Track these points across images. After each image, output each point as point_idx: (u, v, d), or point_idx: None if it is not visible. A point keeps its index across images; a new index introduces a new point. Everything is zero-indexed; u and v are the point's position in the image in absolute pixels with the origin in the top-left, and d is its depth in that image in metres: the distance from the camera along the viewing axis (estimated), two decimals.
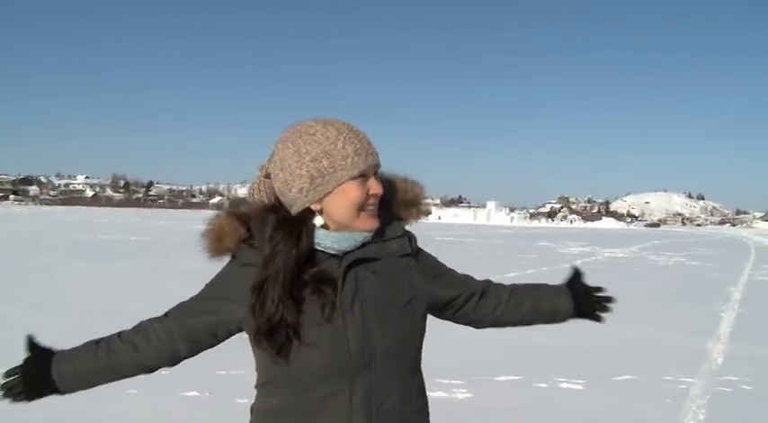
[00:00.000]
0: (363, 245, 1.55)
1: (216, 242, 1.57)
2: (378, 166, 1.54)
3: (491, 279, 1.90)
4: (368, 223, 1.53)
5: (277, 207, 1.56)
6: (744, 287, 16.33)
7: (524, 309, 1.87)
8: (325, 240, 1.52)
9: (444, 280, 1.75)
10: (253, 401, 1.64)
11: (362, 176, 1.49)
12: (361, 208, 1.50)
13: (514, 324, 1.89)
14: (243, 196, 1.64)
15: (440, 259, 1.79)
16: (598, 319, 1.97)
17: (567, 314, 1.94)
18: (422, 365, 1.71)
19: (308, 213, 1.52)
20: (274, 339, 1.48)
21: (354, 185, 1.49)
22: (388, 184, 1.63)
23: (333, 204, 1.50)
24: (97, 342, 1.66)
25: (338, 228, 1.53)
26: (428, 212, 1.75)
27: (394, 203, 1.65)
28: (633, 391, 6.11)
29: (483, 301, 1.82)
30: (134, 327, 1.68)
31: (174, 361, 1.66)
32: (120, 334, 1.67)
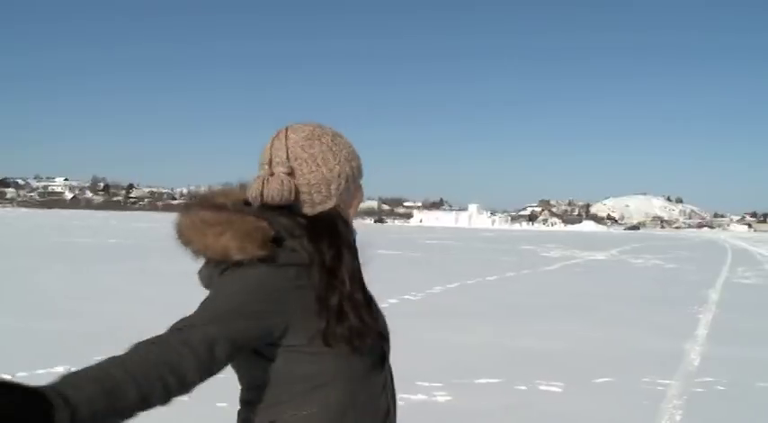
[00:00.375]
0: None
1: (246, 243, 1.37)
2: None
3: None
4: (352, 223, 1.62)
5: (283, 206, 1.46)
6: (721, 289, 16.54)
7: None
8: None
9: None
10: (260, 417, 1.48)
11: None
12: (355, 206, 1.59)
13: None
14: (216, 190, 1.53)
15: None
16: None
17: None
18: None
19: (333, 211, 1.50)
20: (356, 342, 1.44)
21: (360, 187, 1.59)
22: None
23: (353, 206, 1.57)
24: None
25: None
26: None
27: None
28: (612, 393, 6.17)
29: None
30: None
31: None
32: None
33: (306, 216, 1.47)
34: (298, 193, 1.46)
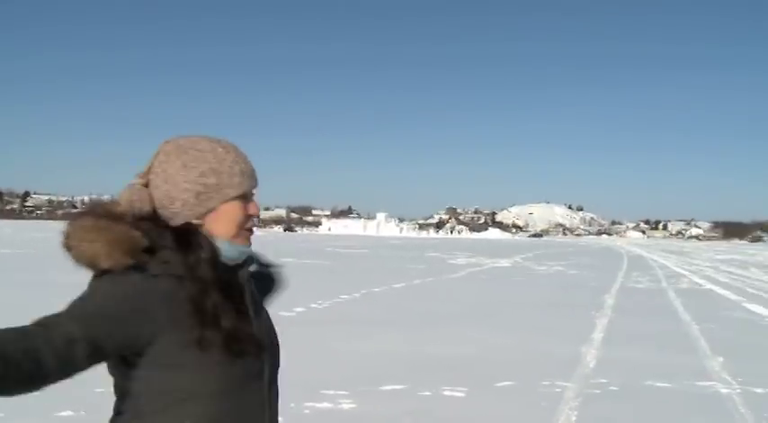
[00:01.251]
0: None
1: (115, 251, 1.39)
2: (256, 188, 1.59)
3: None
4: (245, 242, 1.57)
5: (153, 218, 1.49)
6: (616, 294, 17.31)
7: None
8: (231, 252, 1.54)
9: None
10: None
11: (244, 197, 1.54)
12: (240, 227, 1.54)
13: None
14: (106, 199, 1.53)
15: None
16: None
17: None
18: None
19: (190, 226, 1.51)
20: (234, 346, 1.47)
21: (237, 205, 1.53)
22: None
23: (215, 221, 1.52)
24: None
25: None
26: None
27: None
28: (512, 396, 6.36)
29: None
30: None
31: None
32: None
33: (172, 228, 1.50)
34: (158, 205, 1.50)
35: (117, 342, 1.36)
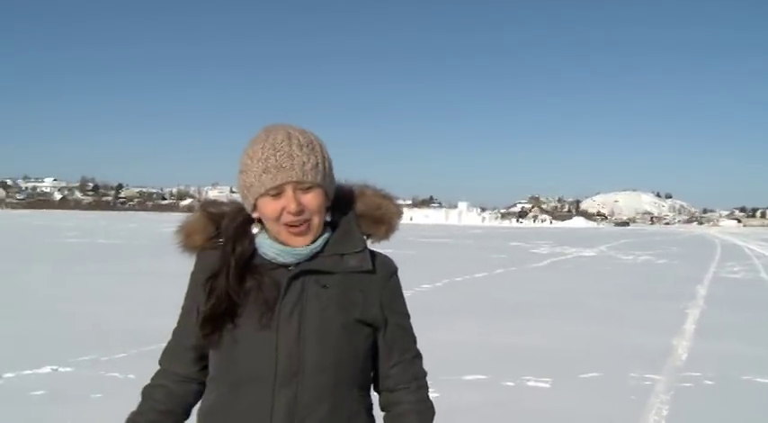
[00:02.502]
0: (315, 256, 1.55)
1: (186, 238, 1.64)
2: (298, 182, 1.49)
3: (422, 383, 1.71)
4: (292, 240, 1.52)
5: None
6: (709, 284, 16.63)
7: None
8: (269, 250, 1.55)
9: (389, 327, 1.65)
10: None
11: (275, 192, 1.49)
12: (278, 223, 1.50)
13: None
14: (213, 198, 1.70)
15: (403, 286, 1.69)
16: None
17: None
18: (371, 385, 1.68)
19: (250, 218, 1.59)
20: (212, 325, 1.54)
21: (267, 202, 1.50)
22: (356, 197, 1.63)
23: (261, 216, 1.55)
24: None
25: (273, 237, 1.56)
26: (395, 229, 1.69)
27: (360, 218, 1.63)
28: (599, 388, 6.18)
29: (385, 383, 1.68)
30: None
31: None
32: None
33: (245, 219, 1.62)
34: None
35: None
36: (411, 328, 1.71)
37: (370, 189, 1.65)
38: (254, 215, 1.56)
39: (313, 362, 1.51)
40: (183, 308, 1.67)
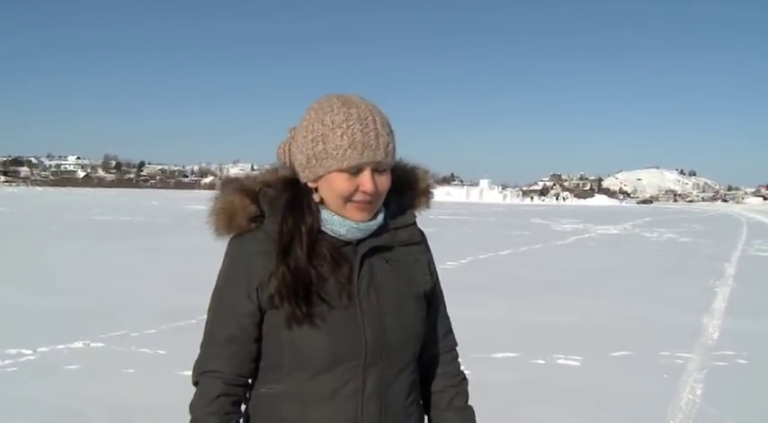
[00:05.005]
0: (376, 232, 1.52)
1: (229, 221, 1.50)
2: (379, 163, 1.43)
3: (455, 354, 1.74)
4: (355, 215, 1.47)
5: (290, 178, 1.52)
6: (737, 262, 16.43)
7: (434, 404, 1.70)
8: (339, 228, 1.48)
9: (435, 294, 1.68)
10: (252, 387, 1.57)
11: (354, 170, 1.42)
12: (347, 200, 1.45)
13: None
14: (235, 176, 1.58)
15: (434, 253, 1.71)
16: None
17: None
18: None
19: (307, 188, 1.50)
20: (292, 300, 1.43)
21: (342, 178, 1.43)
22: (408, 173, 1.62)
23: (323, 189, 1.47)
24: None
25: (333, 210, 1.48)
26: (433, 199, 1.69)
27: (409, 192, 1.61)
28: (630, 367, 6.13)
29: (430, 350, 1.68)
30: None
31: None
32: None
33: (291, 190, 1.51)
34: (292, 159, 1.53)
35: (252, 311, 1.53)
36: (443, 294, 1.74)
37: (403, 163, 1.62)
38: (311, 184, 1.48)
39: (397, 338, 1.50)
40: (222, 302, 1.53)
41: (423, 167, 1.66)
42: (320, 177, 1.45)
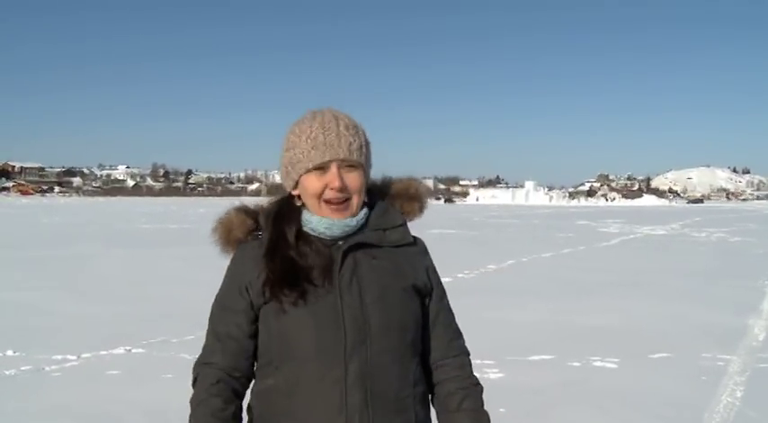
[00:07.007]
0: (360, 231, 1.62)
1: (226, 233, 1.67)
2: (342, 160, 1.56)
3: (465, 360, 1.76)
4: (330, 214, 1.58)
5: (285, 195, 1.69)
6: None
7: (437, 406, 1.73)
8: (318, 225, 1.59)
9: (434, 296, 1.73)
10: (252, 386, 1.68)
11: (322, 169, 1.56)
12: (320, 198, 1.57)
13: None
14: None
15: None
16: None
17: None
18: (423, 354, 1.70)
19: (291, 197, 1.66)
20: (280, 288, 1.55)
21: (312, 178, 1.57)
22: (396, 182, 1.75)
23: (302, 193, 1.61)
24: None
25: (312, 212, 1.61)
26: (426, 206, 1.78)
27: (394, 198, 1.72)
28: (669, 369, 6.03)
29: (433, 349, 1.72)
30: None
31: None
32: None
33: (281, 206, 1.68)
34: None
35: (246, 310, 1.64)
36: (449, 304, 1.78)
37: (396, 176, 1.76)
38: (294, 192, 1.63)
39: (379, 324, 1.56)
40: (220, 303, 1.67)
41: (415, 178, 1.78)
42: (297, 183, 1.60)
